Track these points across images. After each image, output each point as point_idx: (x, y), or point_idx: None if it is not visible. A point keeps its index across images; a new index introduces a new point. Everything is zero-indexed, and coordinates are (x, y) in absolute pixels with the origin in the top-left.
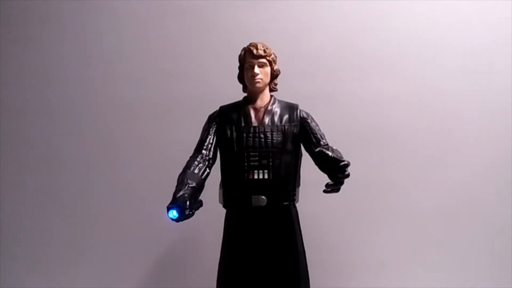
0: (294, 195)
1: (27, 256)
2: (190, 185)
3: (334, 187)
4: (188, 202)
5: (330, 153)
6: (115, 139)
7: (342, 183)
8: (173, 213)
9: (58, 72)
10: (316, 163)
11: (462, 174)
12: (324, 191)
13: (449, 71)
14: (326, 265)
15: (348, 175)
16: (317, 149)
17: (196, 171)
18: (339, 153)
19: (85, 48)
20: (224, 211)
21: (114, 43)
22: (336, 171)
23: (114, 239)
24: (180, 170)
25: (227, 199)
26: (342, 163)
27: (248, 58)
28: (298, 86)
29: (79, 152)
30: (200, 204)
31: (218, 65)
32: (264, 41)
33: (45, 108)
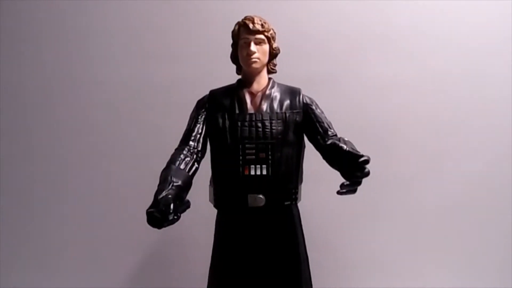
0: (296, 193)
1: (27, 256)
2: (175, 184)
3: (350, 187)
4: (172, 205)
5: (344, 146)
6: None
7: (360, 183)
8: (154, 219)
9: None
10: (325, 158)
11: (471, 170)
12: (339, 193)
13: (465, 55)
14: (326, 265)
15: (368, 173)
16: (329, 141)
17: (182, 166)
18: (353, 145)
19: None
20: (215, 210)
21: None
22: (353, 168)
23: (105, 238)
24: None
25: (218, 199)
26: (362, 159)
27: (243, 34)
28: (295, 69)
29: (79, 152)
30: (187, 205)
31: (208, 44)
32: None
33: (46, 109)
